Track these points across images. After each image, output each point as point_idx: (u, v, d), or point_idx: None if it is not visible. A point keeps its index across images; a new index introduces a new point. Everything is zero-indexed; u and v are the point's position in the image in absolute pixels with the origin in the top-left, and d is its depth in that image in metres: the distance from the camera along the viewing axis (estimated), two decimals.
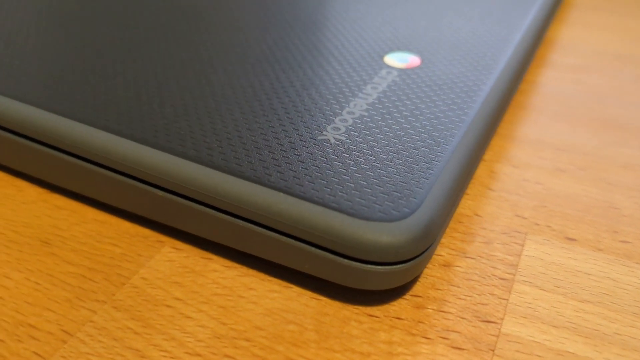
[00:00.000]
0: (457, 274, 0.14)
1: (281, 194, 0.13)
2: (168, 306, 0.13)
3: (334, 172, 0.13)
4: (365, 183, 0.13)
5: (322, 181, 0.13)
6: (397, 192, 0.13)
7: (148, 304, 0.13)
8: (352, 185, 0.13)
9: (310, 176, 0.13)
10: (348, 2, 0.22)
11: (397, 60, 0.18)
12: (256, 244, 0.13)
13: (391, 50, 0.18)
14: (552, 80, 0.22)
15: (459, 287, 0.14)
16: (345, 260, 0.12)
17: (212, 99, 0.16)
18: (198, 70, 0.17)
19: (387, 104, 0.16)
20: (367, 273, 0.12)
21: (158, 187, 0.14)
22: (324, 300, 0.13)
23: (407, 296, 0.13)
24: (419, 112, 0.15)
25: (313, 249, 0.12)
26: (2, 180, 0.17)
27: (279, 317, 0.13)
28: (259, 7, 0.21)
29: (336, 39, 0.19)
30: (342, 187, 0.13)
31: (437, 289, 0.14)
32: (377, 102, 0.16)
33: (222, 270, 0.14)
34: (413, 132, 0.15)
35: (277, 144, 0.14)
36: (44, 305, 0.13)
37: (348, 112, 0.15)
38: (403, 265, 0.12)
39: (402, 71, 0.17)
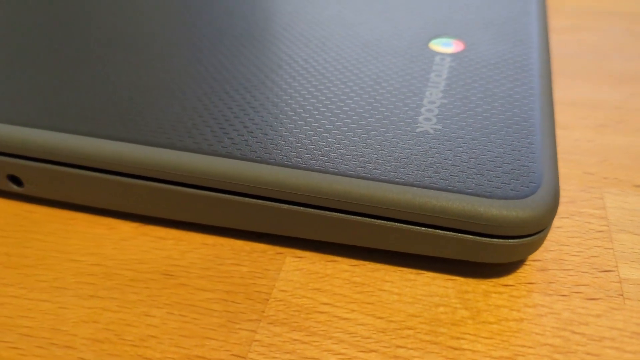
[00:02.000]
0: (560, 234, 0.15)
1: (415, 188, 0.13)
2: (320, 312, 0.14)
3: (450, 160, 0.14)
4: (484, 166, 0.14)
5: (446, 170, 0.14)
6: (516, 169, 0.14)
7: (300, 314, 0.14)
8: (474, 169, 0.14)
9: (432, 167, 0.14)
10: None
11: (442, 45, 0.19)
12: (394, 239, 0.14)
13: (430, 37, 0.19)
14: (555, 43, 0.24)
15: (567, 245, 0.15)
16: (489, 239, 0.13)
17: (298, 106, 0.16)
18: (262, 80, 0.17)
19: (458, 89, 0.17)
20: (512, 247, 0.13)
21: (285, 201, 0.14)
22: (458, 279, 0.14)
23: (528, 262, 0.15)
24: (490, 93, 0.16)
25: (456, 234, 0.13)
26: (86, 221, 0.16)
27: (426, 302, 0.14)
28: (291, 11, 0.21)
29: (374, 32, 0.20)
30: (466, 172, 0.14)
31: (550, 250, 0.15)
32: (448, 88, 0.17)
33: (352, 270, 0.15)
34: (496, 111, 0.16)
35: (383, 141, 0.15)
36: (201, 335, 0.13)
37: (429, 102, 0.16)
38: (541, 233, 0.13)
39: (453, 56, 0.18)
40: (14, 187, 0.17)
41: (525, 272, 0.14)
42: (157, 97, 0.17)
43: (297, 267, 0.15)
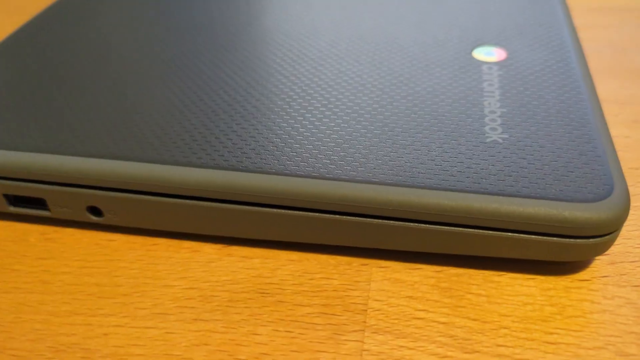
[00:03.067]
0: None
1: (501, 197, 0.14)
2: (418, 318, 0.15)
3: (526, 168, 0.15)
4: (558, 172, 0.15)
5: (525, 178, 0.15)
6: (588, 173, 0.15)
7: (400, 321, 0.15)
8: (551, 176, 0.15)
9: (510, 176, 0.15)
10: (399, 9, 0.23)
11: (485, 54, 0.20)
12: (480, 245, 0.15)
13: (471, 46, 0.20)
14: None
15: (629, 238, 0.16)
16: (573, 240, 0.14)
17: (368, 123, 0.17)
18: (327, 98, 0.18)
19: (512, 97, 0.18)
20: (592, 246, 0.14)
21: (377, 217, 0.15)
22: (538, 277, 0.15)
23: (598, 257, 0.16)
24: (544, 100, 0.18)
25: (540, 237, 0.14)
26: (168, 246, 0.17)
27: (514, 302, 0.15)
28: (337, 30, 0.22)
29: (417, 44, 0.21)
30: (544, 179, 0.15)
31: (615, 244, 0.16)
32: (503, 97, 0.18)
33: (436, 276, 0.16)
34: (554, 118, 0.17)
35: (459, 154, 0.16)
36: (311, 348, 0.14)
37: (490, 112, 0.17)
38: (617, 231, 0.14)
39: (499, 65, 0.19)
40: (93, 218, 0.17)
41: (597, 267, 0.16)
42: (229, 121, 0.17)
43: (384, 276, 0.16)
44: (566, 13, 0.22)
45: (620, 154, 0.19)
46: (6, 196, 0.18)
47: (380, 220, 0.15)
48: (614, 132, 0.20)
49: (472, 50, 0.20)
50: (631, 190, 0.18)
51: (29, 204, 0.18)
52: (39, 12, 0.24)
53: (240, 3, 0.24)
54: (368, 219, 0.15)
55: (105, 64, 0.20)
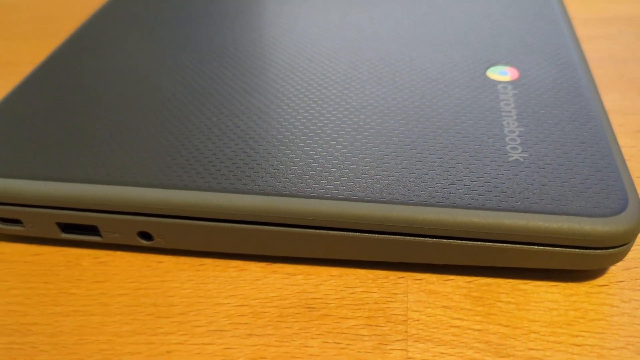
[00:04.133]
0: None
1: (528, 214, 0.16)
2: (455, 327, 0.16)
3: (547, 185, 0.17)
4: (577, 188, 0.16)
5: (547, 195, 0.16)
6: (605, 189, 0.16)
7: (438, 329, 0.16)
8: (572, 192, 0.16)
9: (534, 194, 0.16)
10: (414, 30, 0.24)
11: (499, 74, 0.21)
12: (509, 258, 0.16)
13: (484, 66, 0.22)
14: None
15: None
16: (593, 251, 0.16)
17: (398, 146, 0.18)
18: (356, 122, 0.19)
19: (529, 117, 0.19)
20: (611, 255, 0.16)
21: (416, 235, 0.16)
22: (561, 284, 0.17)
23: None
24: (558, 119, 0.19)
25: (564, 249, 0.16)
26: (215, 266, 0.18)
27: (540, 308, 0.16)
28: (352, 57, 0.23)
29: (433, 65, 0.22)
30: (565, 196, 0.16)
31: (630, 251, 0.18)
32: (520, 117, 0.19)
33: (467, 286, 0.17)
34: (569, 136, 0.18)
35: (485, 173, 0.17)
36: (360, 358, 0.16)
37: (509, 131, 0.19)
38: (633, 240, 0.16)
39: (513, 84, 0.21)
40: (143, 242, 0.18)
41: (613, 273, 0.17)
42: (268, 147, 0.18)
43: (420, 288, 0.17)
44: (570, 28, 0.24)
45: (627, 164, 0.21)
46: (58, 224, 0.19)
47: (416, 238, 0.16)
48: (619, 142, 0.22)
49: (485, 69, 0.21)
50: None
51: (80, 230, 0.19)
52: (63, 39, 0.25)
53: (260, 28, 0.25)
54: (405, 237, 0.16)
55: (140, 94, 0.21)
